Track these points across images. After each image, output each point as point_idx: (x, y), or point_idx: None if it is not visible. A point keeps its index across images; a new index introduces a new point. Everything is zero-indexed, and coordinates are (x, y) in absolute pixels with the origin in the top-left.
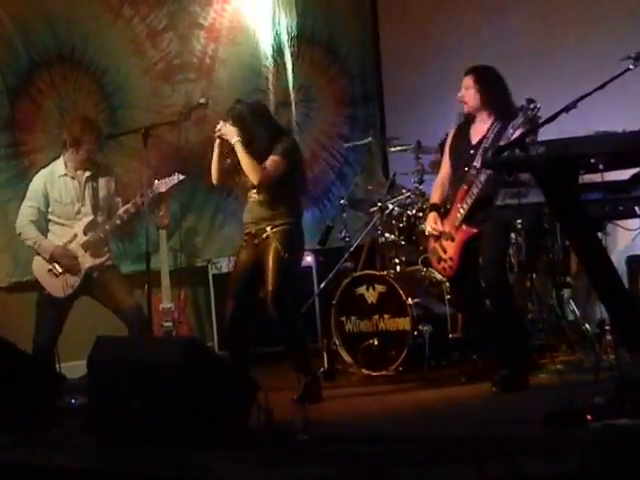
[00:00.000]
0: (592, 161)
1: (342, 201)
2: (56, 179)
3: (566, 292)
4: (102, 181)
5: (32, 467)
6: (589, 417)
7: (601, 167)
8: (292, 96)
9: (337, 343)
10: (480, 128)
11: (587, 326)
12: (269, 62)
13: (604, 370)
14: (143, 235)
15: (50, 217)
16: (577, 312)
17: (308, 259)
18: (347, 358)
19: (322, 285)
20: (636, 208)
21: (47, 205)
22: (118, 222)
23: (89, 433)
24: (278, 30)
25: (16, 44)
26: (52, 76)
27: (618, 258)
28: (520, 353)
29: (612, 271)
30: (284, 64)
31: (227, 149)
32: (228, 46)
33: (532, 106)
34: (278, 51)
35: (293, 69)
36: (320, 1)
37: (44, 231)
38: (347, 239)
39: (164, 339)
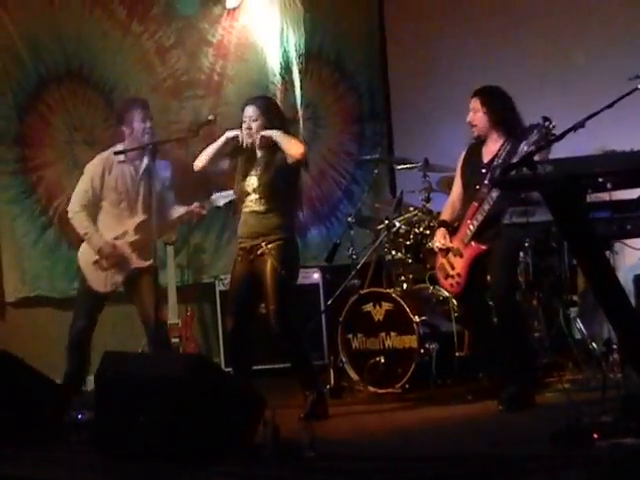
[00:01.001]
0: (600, 180)
1: (349, 218)
2: (115, 164)
3: (573, 311)
4: (159, 174)
5: None
6: (595, 436)
7: (609, 186)
8: (300, 113)
9: (344, 360)
10: (491, 148)
11: (594, 345)
12: (277, 79)
13: (611, 389)
14: None
15: (102, 204)
16: (584, 331)
17: (315, 276)
18: (354, 375)
19: (329, 302)
20: None
21: (102, 190)
22: (168, 226)
23: (96, 448)
24: (286, 47)
25: (25, 60)
26: (61, 92)
27: (625, 277)
28: (527, 371)
29: (619, 290)
30: (292, 81)
31: (229, 151)
32: (236, 63)
33: (547, 124)
34: (286, 68)
35: (301, 86)
36: (328, 19)
37: (94, 219)
38: (354, 256)
39: (171, 355)
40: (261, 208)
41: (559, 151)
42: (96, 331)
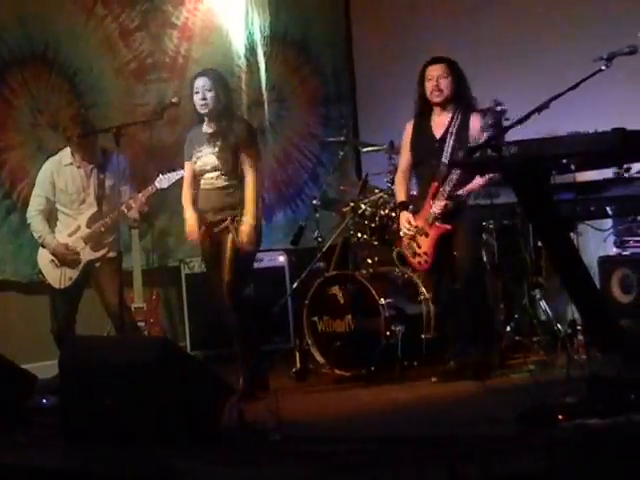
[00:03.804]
0: (564, 161)
1: (315, 201)
2: (62, 168)
3: (538, 292)
4: (110, 170)
5: (2, 466)
6: (560, 417)
7: (573, 167)
8: (265, 96)
9: (309, 343)
10: (441, 120)
11: (559, 326)
12: (242, 62)
13: (575, 370)
14: None
15: (57, 206)
16: (549, 312)
17: (280, 259)
18: (319, 358)
19: (294, 285)
20: (607, 209)
21: (54, 194)
22: (118, 216)
23: (60, 433)
24: (251, 30)
25: None
26: (24, 75)
27: (590, 258)
28: (484, 341)
29: (584, 271)
30: (257, 64)
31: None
32: (201, 45)
33: (499, 108)
34: (251, 51)
35: (266, 69)
36: (293, 1)
37: (54, 220)
38: (320, 239)
39: (136, 339)
40: (223, 184)
41: (523, 133)
42: None
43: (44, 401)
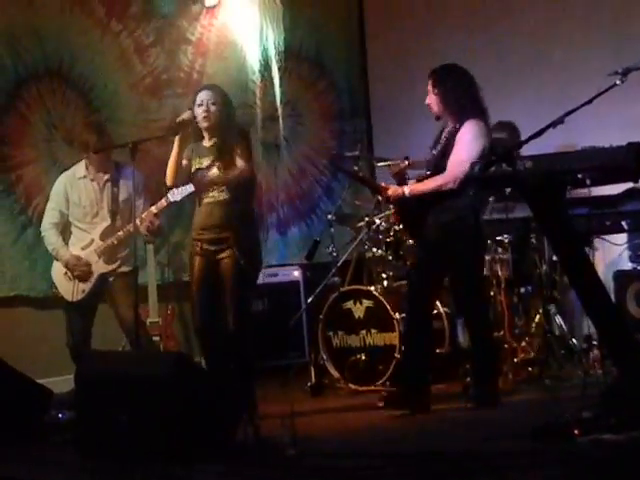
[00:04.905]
0: (579, 176)
1: (329, 216)
2: (76, 181)
3: (553, 307)
4: (124, 184)
5: None
6: (576, 432)
7: (588, 182)
8: (279, 111)
9: (324, 358)
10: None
11: (574, 341)
12: (256, 77)
13: (591, 385)
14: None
15: (71, 220)
16: (564, 327)
17: (295, 274)
18: (334, 373)
19: (309, 300)
20: (623, 223)
21: (68, 207)
22: (132, 230)
23: (76, 448)
24: (265, 45)
25: (4, 59)
26: (40, 91)
27: (605, 273)
28: (487, 368)
29: (599, 286)
30: (271, 79)
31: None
32: (215, 61)
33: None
34: (265, 66)
35: (280, 84)
36: (307, 16)
37: (68, 234)
38: (334, 254)
39: (151, 353)
40: (227, 197)
41: (538, 148)
42: None
43: (60, 416)
